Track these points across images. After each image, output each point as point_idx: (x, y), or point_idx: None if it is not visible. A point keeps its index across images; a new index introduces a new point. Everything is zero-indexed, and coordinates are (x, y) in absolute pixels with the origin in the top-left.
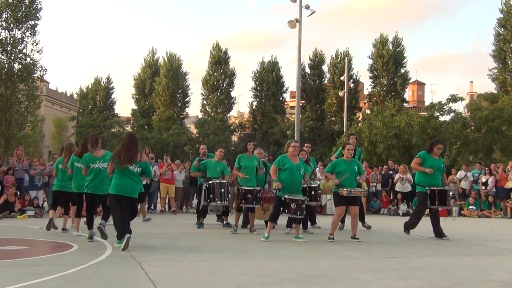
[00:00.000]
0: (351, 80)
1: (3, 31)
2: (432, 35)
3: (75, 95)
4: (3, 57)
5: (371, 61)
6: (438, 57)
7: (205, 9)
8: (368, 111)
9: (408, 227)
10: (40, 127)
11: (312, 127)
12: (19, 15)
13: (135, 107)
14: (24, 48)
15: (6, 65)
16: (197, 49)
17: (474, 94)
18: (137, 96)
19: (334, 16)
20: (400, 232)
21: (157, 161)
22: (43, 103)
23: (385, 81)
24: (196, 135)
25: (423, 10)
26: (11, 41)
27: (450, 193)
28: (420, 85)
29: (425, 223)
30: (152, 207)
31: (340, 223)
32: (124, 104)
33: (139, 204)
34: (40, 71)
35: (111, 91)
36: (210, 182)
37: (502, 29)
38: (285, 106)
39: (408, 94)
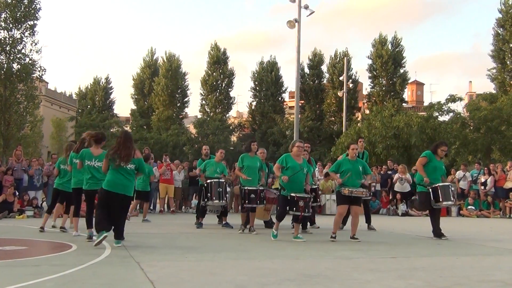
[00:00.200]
0: (350, 80)
1: (2, 31)
2: (431, 35)
3: (74, 95)
4: (2, 57)
5: (370, 61)
6: (437, 57)
7: (204, 9)
8: (367, 111)
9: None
10: (39, 127)
11: (311, 127)
12: (18, 15)
13: (134, 107)
14: (23, 48)
15: (5, 65)
16: (196, 49)
17: (473, 94)
18: (136, 96)
19: (333, 16)
20: (399, 232)
21: (156, 161)
22: (42, 103)
23: (384, 81)
24: (195, 135)
25: (422, 10)
26: (10, 41)
27: (452, 189)
28: (419, 85)
29: (425, 223)
30: (151, 207)
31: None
32: (123, 104)
33: (143, 203)
34: (39, 71)
35: (110, 91)
36: (208, 181)
37: (501, 29)
38: (284, 106)
39: (407, 94)
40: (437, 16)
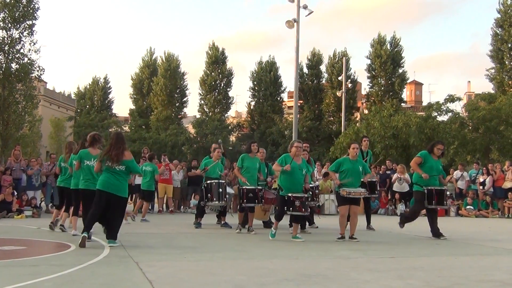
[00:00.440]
0: (349, 80)
1: (0, 31)
2: (430, 35)
3: (73, 95)
4: (0, 57)
5: (369, 61)
6: (436, 57)
7: (203, 9)
8: (366, 111)
9: (403, 220)
10: (37, 127)
11: (310, 127)
12: (16, 15)
13: (133, 107)
14: (21, 48)
15: (4, 65)
16: (195, 49)
17: (472, 94)
18: (135, 96)
19: (332, 16)
20: (398, 232)
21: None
22: (41, 103)
23: (383, 81)
24: (194, 135)
25: (420, 11)
26: (9, 41)
27: (448, 193)
28: (418, 85)
29: (423, 223)
30: (150, 207)
31: None
32: (122, 104)
33: (143, 203)
34: (38, 71)
35: (108, 91)
36: (208, 182)
37: (500, 29)
38: (283, 106)
39: (406, 94)
40: (435, 16)
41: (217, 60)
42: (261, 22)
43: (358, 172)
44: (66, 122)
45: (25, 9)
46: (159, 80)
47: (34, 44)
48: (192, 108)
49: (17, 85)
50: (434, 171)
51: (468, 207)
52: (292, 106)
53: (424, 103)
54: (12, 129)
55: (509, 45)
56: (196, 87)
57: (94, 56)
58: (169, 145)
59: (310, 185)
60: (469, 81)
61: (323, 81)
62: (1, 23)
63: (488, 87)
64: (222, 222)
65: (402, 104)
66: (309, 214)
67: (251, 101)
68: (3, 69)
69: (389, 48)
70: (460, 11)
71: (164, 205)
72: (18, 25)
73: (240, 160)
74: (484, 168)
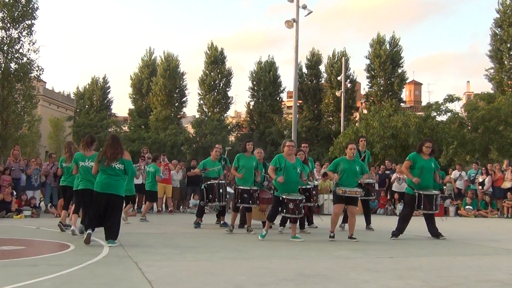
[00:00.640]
0: (348, 80)
1: None
2: (429, 35)
3: (72, 95)
4: None
5: (368, 61)
6: (435, 57)
7: (202, 9)
8: (365, 111)
9: (396, 234)
10: (37, 127)
11: (309, 127)
12: (15, 15)
13: (132, 107)
14: (20, 47)
15: (3, 64)
16: (195, 49)
17: (471, 94)
18: (134, 96)
19: (331, 16)
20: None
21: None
22: (40, 103)
23: (382, 81)
24: (193, 135)
25: (419, 10)
26: (8, 41)
27: (439, 197)
28: (417, 85)
29: (423, 223)
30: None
31: (342, 223)
32: (121, 104)
33: (146, 202)
34: (37, 70)
35: (107, 91)
36: (209, 182)
37: (499, 29)
38: (282, 106)
39: (405, 94)
40: (435, 16)
41: (216, 60)
42: (261, 22)
43: (355, 172)
44: (65, 122)
45: (24, 9)
46: (158, 80)
47: (33, 44)
48: (191, 108)
49: (16, 85)
50: (426, 171)
51: (467, 207)
52: (291, 106)
53: (423, 103)
54: (11, 129)
55: (508, 45)
56: (196, 87)
57: (93, 56)
58: (168, 145)
59: (308, 185)
60: (468, 81)
61: (322, 81)
62: (0, 23)
63: (487, 87)
64: (222, 222)
65: (401, 104)
66: (309, 214)
67: (250, 101)
68: (2, 69)
69: (388, 48)
70: (459, 11)
71: (163, 205)
72: (17, 25)
73: (236, 160)
74: (483, 168)
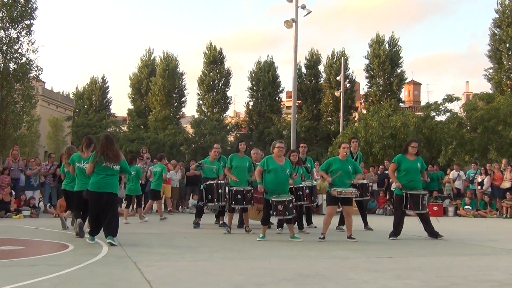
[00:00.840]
0: (347, 80)
1: None
2: (428, 35)
3: (71, 95)
4: None
5: (367, 61)
6: (434, 57)
7: (201, 9)
8: (364, 111)
9: (394, 234)
10: (36, 127)
11: (308, 127)
12: (14, 15)
13: (131, 107)
14: (19, 47)
15: (2, 64)
16: (194, 49)
17: (470, 94)
18: (133, 96)
19: (330, 16)
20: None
21: (153, 161)
22: (39, 103)
23: (381, 81)
24: (192, 135)
25: (419, 11)
26: (7, 41)
27: (426, 196)
28: (416, 85)
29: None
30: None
31: (340, 226)
32: (121, 104)
33: (155, 202)
34: (36, 71)
35: (106, 91)
36: (208, 182)
37: (498, 29)
38: (281, 106)
39: (404, 94)
40: (434, 16)
41: (215, 60)
42: (260, 22)
43: (348, 171)
44: (64, 122)
45: (23, 8)
46: (157, 80)
47: (32, 44)
48: (191, 108)
49: (15, 85)
50: (412, 171)
51: (466, 207)
52: (290, 106)
53: (423, 103)
54: (10, 129)
55: (507, 45)
56: (195, 87)
57: (92, 56)
58: (168, 145)
59: (306, 185)
60: (467, 81)
61: (322, 81)
62: None
63: (486, 87)
64: (221, 222)
65: (400, 104)
66: (308, 214)
67: (250, 101)
68: (1, 69)
69: (387, 48)
70: (459, 11)
71: (162, 205)
72: (16, 25)
73: (228, 160)
74: (482, 168)
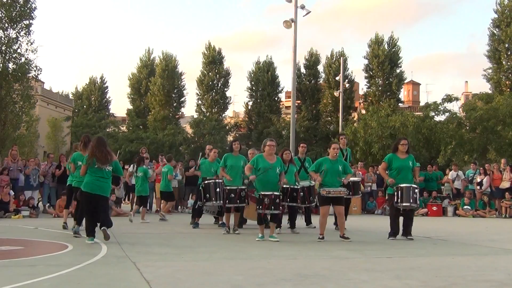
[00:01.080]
0: (347, 80)
1: None
2: (427, 35)
3: (70, 95)
4: None
5: (366, 61)
6: (433, 57)
7: (200, 9)
8: (363, 111)
9: (392, 234)
10: (35, 127)
11: (308, 127)
12: (13, 15)
13: (130, 107)
14: (18, 47)
15: (1, 64)
16: (193, 49)
17: (469, 94)
18: (133, 96)
19: (329, 16)
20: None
21: (152, 161)
22: (38, 103)
23: (380, 81)
24: (192, 135)
25: (418, 11)
26: (6, 41)
27: (416, 190)
28: (415, 85)
29: (421, 223)
30: (148, 207)
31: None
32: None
33: (168, 202)
34: (35, 71)
35: (105, 91)
36: (206, 182)
37: (497, 30)
38: (281, 106)
39: (403, 94)
40: (433, 16)
41: (214, 60)
42: (259, 22)
43: (337, 171)
44: (63, 122)
45: (22, 8)
46: (156, 80)
47: (31, 44)
48: (190, 108)
49: (14, 85)
50: (403, 170)
51: (465, 207)
52: (289, 106)
53: (422, 103)
54: (9, 129)
55: (506, 45)
56: (194, 87)
57: (92, 56)
58: (167, 145)
59: (304, 185)
60: (467, 81)
61: (321, 81)
62: None
63: (485, 87)
64: (220, 222)
65: (399, 104)
66: (307, 214)
67: (249, 101)
68: (0, 69)
69: (386, 48)
70: (458, 11)
71: (161, 205)
72: (15, 25)
73: (223, 160)
74: (481, 168)
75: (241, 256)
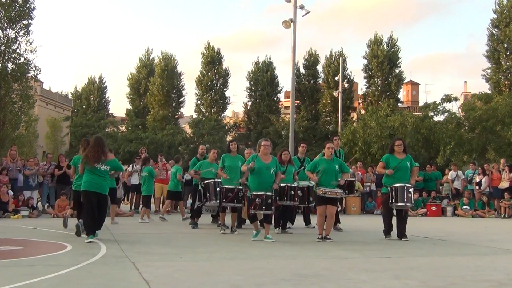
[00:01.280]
0: (346, 80)
1: None
2: (426, 36)
3: (69, 95)
4: None
5: (365, 61)
6: (432, 57)
7: (200, 9)
8: (362, 111)
9: (386, 233)
10: (34, 127)
11: (307, 127)
12: (12, 15)
13: (129, 107)
14: (17, 47)
15: (0, 64)
16: (193, 49)
17: (468, 94)
18: (132, 96)
19: (328, 16)
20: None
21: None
22: (37, 103)
23: (379, 81)
24: (191, 135)
25: (417, 11)
26: (5, 41)
27: (411, 189)
28: (415, 85)
29: (420, 223)
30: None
31: (337, 224)
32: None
33: (178, 203)
34: (34, 71)
35: (104, 91)
36: (206, 182)
37: (496, 30)
38: (280, 106)
39: (402, 94)
40: (432, 16)
41: (213, 60)
42: (258, 22)
43: (334, 171)
44: (62, 122)
45: (21, 8)
46: (155, 80)
47: (30, 44)
48: (189, 108)
49: (13, 85)
50: (401, 170)
51: (464, 207)
52: (288, 106)
53: (421, 103)
54: (8, 129)
55: (505, 46)
56: (193, 87)
57: (91, 56)
58: (166, 145)
59: (303, 185)
60: (466, 81)
61: (320, 81)
62: None
63: (484, 87)
64: (219, 222)
65: (398, 104)
66: (306, 214)
67: (248, 101)
68: None
69: (385, 48)
70: (457, 11)
71: (161, 205)
72: (14, 25)
73: (221, 160)
74: (479, 168)
75: (241, 256)
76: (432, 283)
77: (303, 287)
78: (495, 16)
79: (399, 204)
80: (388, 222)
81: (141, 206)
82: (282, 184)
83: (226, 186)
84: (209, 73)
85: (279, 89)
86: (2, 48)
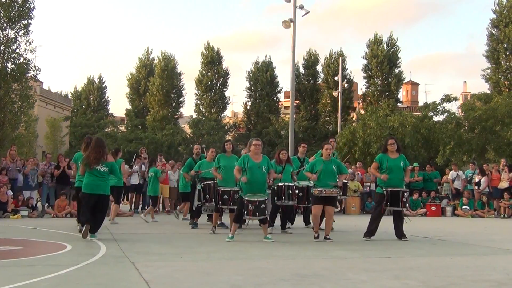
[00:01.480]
0: (345, 80)
1: None
2: (426, 36)
3: (69, 95)
4: None
5: (365, 61)
6: (432, 57)
7: (200, 9)
8: (362, 111)
9: (367, 234)
10: (33, 127)
11: (306, 127)
12: (12, 15)
13: (129, 107)
14: (17, 47)
15: None
16: (192, 49)
17: (468, 94)
18: (132, 96)
19: (328, 16)
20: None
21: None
22: (37, 103)
23: (379, 81)
24: (190, 135)
25: (416, 11)
26: (4, 41)
27: (406, 194)
28: (414, 85)
29: (420, 223)
30: (146, 207)
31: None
32: (119, 104)
33: (184, 204)
34: (34, 70)
35: (104, 91)
36: (205, 182)
37: (495, 30)
38: (279, 106)
39: (402, 94)
40: (432, 16)
41: (212, 60)
42: (258, 22)
43: (332, 172)
44: (62, 122)
45: (21, 8)
46: (155, 80)
47: (30, 43)
48: (189, 108)
49: (13, 85)
50: (395, 169)
51: (464, 207)
52: (288, 106)
53: (420, 103)
54: (8, 129)
55: (505, 46)
56: (193, 87)
57: (91, 56)
58: (165, 145)
59: (303, 185)
60: (465, 81)
61: (320, 81)
62: None
63: (484, 87)
64: (219, 222)
65: (398, 104)
66: (306, 214)
67: (248, 101)
68: None
69: (385, 48)
70: (456, 11)
71: (161, 205)
72: (14, 25)
73: (216, 161)
74: (478, 169)
75: (240, 256)
76: (431, 283)
77: (303, 287)
78: (494, 16)
79: (394, 208)
80: (376, 225)
81: (140, 206)
82: (279, 184)
83: (222, 189)
84: (209, 73)
85: (278, 89)
86: (1, 48)
